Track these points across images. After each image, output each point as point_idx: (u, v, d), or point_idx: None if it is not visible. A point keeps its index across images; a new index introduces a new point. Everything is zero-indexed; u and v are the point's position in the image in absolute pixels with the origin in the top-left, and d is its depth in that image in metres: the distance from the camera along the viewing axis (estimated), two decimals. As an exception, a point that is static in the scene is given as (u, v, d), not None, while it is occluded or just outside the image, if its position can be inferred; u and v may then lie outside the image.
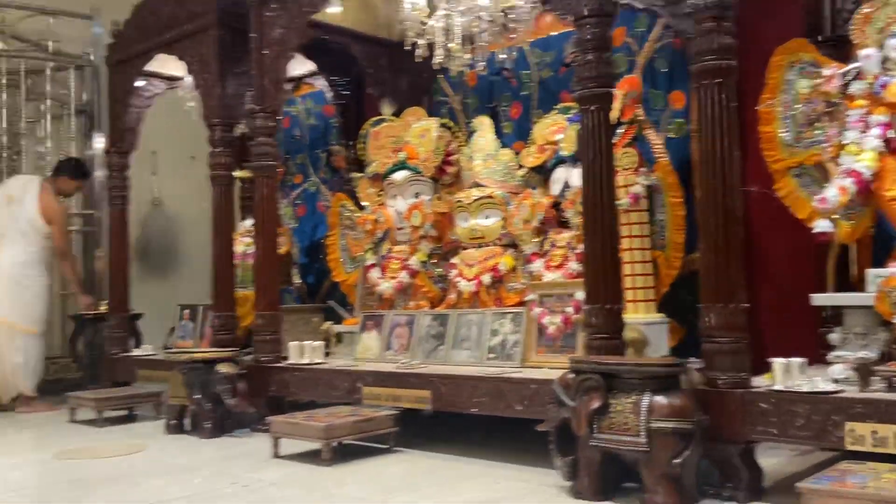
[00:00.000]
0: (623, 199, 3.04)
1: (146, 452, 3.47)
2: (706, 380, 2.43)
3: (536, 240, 3.47)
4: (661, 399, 2.24)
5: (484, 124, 3.90)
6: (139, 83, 5.05)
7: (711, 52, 2.46)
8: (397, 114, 4.39)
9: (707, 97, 2.48)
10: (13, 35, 5.89)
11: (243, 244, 4.89)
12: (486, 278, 3.60)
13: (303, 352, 3.87)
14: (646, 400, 2.25)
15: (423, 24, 3.64)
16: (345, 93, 5.25)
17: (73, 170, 5.36)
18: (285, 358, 3.96)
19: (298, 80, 5.51)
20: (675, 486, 2.23)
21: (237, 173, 4.75)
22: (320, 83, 5.42)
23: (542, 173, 3.58)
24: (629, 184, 3.12)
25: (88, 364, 5.48)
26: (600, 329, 2.63)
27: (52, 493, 2.79)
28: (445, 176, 4.00)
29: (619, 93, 3.10)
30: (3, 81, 5.81)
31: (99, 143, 6.09)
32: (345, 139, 5.25)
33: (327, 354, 4.05)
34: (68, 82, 6.13)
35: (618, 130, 3.15)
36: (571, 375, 2.47)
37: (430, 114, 4.36)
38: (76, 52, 6.15)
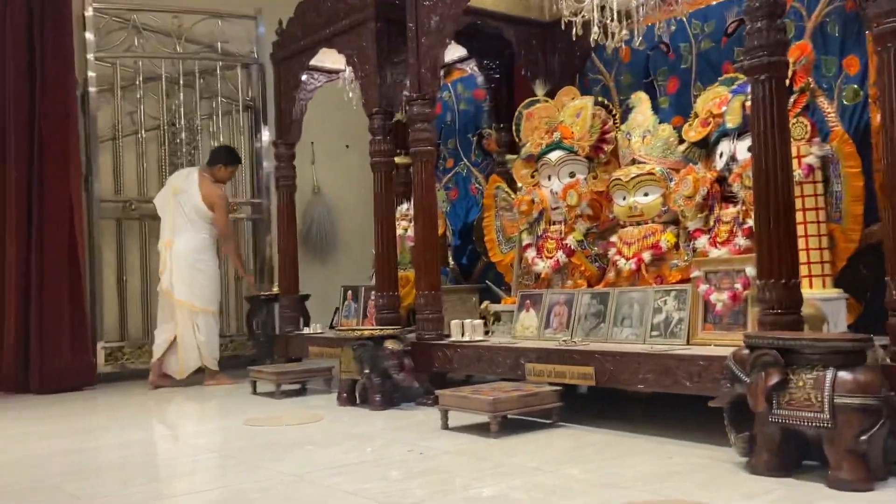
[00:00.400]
0: (796, 171, 2.94)
1: (323, 422, 3.71)
2: (892, 355, 2.33)
3: (700, 216, 3.41)
4: (846, 374, 2.18)
5: (641, 100, 3.86)
6: (302, 77, 5.34)
7: (895, 14, 2.34)
8: (550, 94, 4.42)
9: (890, 61, 2.36)
10: (188, 39, 6.36)
11: (401, 227, 5.08)
12: (647, 256, 3.59)
13: (464, 330, 4.00)
14: (829, 375, 2.19)
15: (579, 2, 3.65)
16: (495, 76, 5.33)
17: (227, 157, 5.67)
18: (447, 336, 4.11)
19: (450, 66, 5.65)
20: (861, 464, 2.16)
21: (397, 159, 4.93)
22: (471, 67, 5.53)
23: (704, 147, 3.52)
24: (802, 155, 3.01)
25: (263, 342, 5.88)
26: (774, 304, 2.58)
27: (247, 455, 3.05)
28: (601, 154, 4.00)
29: (789, 60, 2.99)
30: (181, 82, 6.30)
31: (266, 135, 6.50)
32: (496, 122, 5.34)
33: (486, 333, 4.16)
34: (236, 80, 6.56)
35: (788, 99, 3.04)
36: (746, 351, 2.44)
37: (584, 93, 4.36)
38: (243, 52, 6.58)
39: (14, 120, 5.54)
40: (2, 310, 5.56)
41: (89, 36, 5.92)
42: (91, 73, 5.90)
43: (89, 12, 5.92)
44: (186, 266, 5.34)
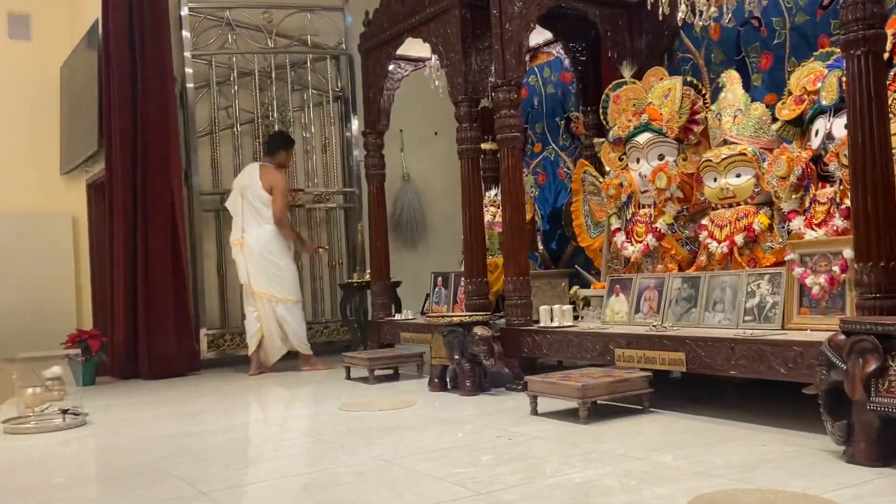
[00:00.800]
0: (897, 149, 2.81)
1: (415, 407, 3.79)
2: None
3: (795, 196, 3.30)
4: (950, 361, 2.09)
5: (732, 78, 3.75)
6: (389, 67, 5.41)
7: None
8: (638, 75, 4.34)
9: None
10: (279, 33, 6.54)
11: (489, 214, 5.11)
12: (739, 239, 3.50)
13: (553, 315, 4.00)
14: (932, 362, 2.10)
15: (665, -20, 3.56)
16: (582, 58, 5.26)
17: (285, 142, 5.80)
18: (536, 321, 4.12)
19: (535, 50, 5.61)
20: (970, 455, 2.07)
21: (484, 145, 4.95)
22: (557, 50, 5.48)
23: (799, 126, 3.39)
24: (904, 131, 2.87)
25: (356, 328, 6.03)
26: (873, 288, 2.48)
27: (341, 439, 3.15)
28: (691, 136, 3.91)
29: (888, 32, 2.85)
30: (273, 76, 6.49)
31: (355, 125, 6.63)
32: (583, 105, 5.28)
33: (575, 318, 4.15)
34: (326, 72, 6.71)
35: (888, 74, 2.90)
36: (842, 337, 2.36)
37: (672, 72, 4.26)
38: (331, 44, 6.72)
39: (118, 120, 5.84)
40: (112, 300, 5.91)
41: (186, 34, 6.16)
42: (188, 71, 6.15)
43: (185, 12, 6.17)
44: (260, 258, 5.46)
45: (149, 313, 5.66)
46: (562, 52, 5.36)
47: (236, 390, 4.91)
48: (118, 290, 5.80)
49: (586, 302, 4.32)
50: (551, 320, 3.99)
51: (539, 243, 5.38)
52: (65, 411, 3.86)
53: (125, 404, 4.60)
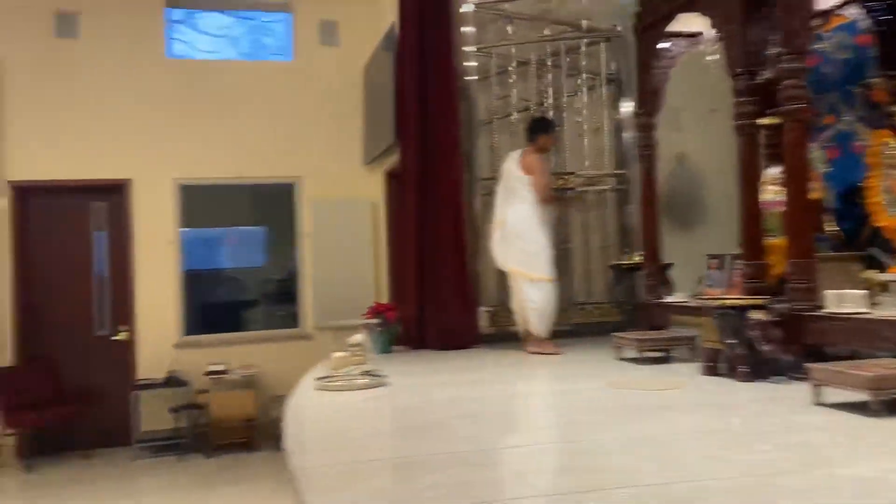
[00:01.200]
0: None
1: (685, 390, 3.75)
2: None
3: None
4: None
5: None
6: (663, 45, 5.32)
7: None
8: (955, 31, 3.85)
9: None
10: (554, 21, 6.70)
11: (770, 192, 4.83)
12: None
13: (842, 300, 3.72)
14: None
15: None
16: (884, 18, 4.76)
17: (545, 126, 5.80)
18: (820, 307, 3.85)
19: (827, 13, 5.17)
20: None
21: (762, 121, 4.71)
22: (852, 12, 5.01)
23: None
24: None
25: (627, 309, 6.03)
26: None
27: (611, 413, 3.24)
28: None
29: None
30: (549, 63, 6.66)
31: (626, 107, 6.60)
32: (885, 69, 4.77)
33: (872, 304, 3.81)
34: (599, 55, 6.74)
35: None
36: None
37: None
38: (605, 27, 6.73)
39: (410, 115, 6.38)
40: (405, 280, 6.49)
41: (469, 30, 6.52)
42: (471, 64, 6.51)
43: (467, 9, 6.52)
44: (514, 237, 5.56)
45: (436, 289, 6.12)
46: (859, 12, 4.88)
47: (512, 363, 5.17)
48: (409, 268, 6.36)
49: (884, 287, 3.95)
50: (840, 306, 3.71)
51: (830, 224, 4.98)
52: (366, 373, 4.35)
53: (416, 371, 5.04)
